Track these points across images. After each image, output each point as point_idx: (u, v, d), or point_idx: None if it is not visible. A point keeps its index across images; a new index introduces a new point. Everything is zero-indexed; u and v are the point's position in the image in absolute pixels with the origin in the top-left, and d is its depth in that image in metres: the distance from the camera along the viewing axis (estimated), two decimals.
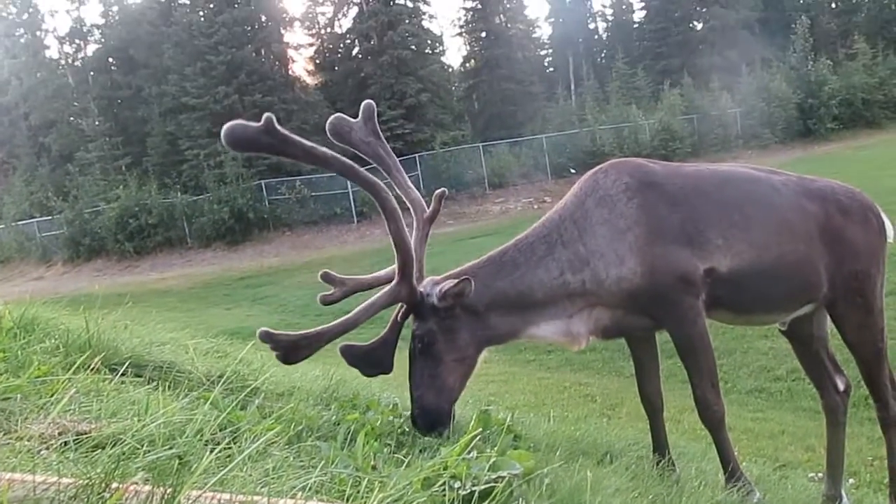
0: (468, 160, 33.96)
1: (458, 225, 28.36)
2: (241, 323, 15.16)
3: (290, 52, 39.65)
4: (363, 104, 3.43)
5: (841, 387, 3.66)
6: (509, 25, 46.41)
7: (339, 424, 2.61)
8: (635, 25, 51.28)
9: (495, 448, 1.89)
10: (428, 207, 3.34)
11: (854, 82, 38.10)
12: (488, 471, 1.79)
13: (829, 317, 3.54)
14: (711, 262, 3.13)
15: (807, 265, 3.27)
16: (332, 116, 3.33)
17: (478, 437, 1.81)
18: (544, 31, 54.62)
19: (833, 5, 51.68)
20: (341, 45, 41.49)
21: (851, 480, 5.38)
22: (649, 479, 3.17)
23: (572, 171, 30.36)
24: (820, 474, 5.25)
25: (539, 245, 3.16)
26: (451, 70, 45.80)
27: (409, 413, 3.05)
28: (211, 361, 3.71)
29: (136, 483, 1.33)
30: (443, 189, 3.39)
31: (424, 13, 41.20)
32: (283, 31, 38.67)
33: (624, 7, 53.15)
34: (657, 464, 3.36)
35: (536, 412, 6.90)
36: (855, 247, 3.35)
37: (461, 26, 45.90)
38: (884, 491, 5.12)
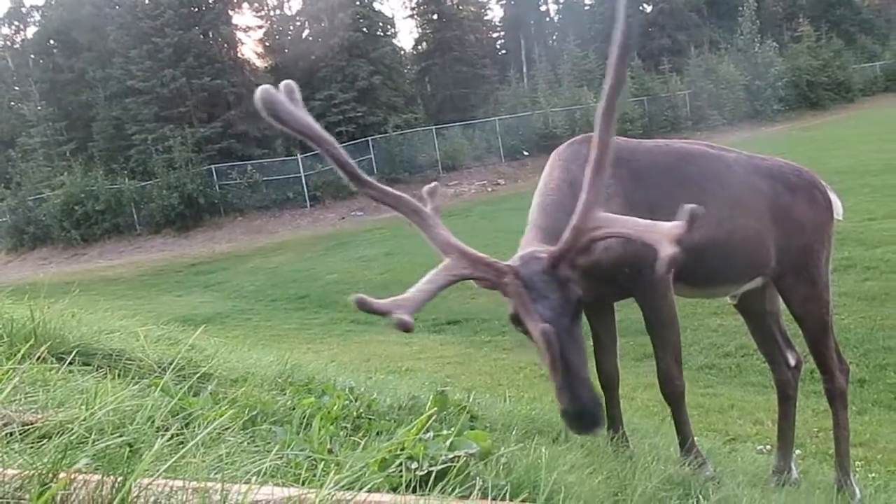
0: (421, 143, 33.86)
1: None
2: (194, 310, 14.94)
3: (239, 35, 38.95)
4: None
5: (792, 362, 3.75)
6: (461, 7, 46.26)
7: (294, 409, 2.59)
8: (586, 7, 51.54)
9: (452, 429, 1.89)
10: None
11: (799, 64, 38.91)
12: (445, 451, 1.79)
13: (779, 291, 3.61)
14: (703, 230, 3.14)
15: (757, 240, 3.34)
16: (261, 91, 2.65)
17: (434, 418, 1.81)
18: (496, 14, 54.56)
19: None
20: (291, 28, 40.90)
21: (798, 451, 5.51)
22: (604, 455, 3.22)
23: (525, 153, 30.53)
24: (768, 447, 5.40)
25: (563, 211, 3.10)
26: (403, 53, 45.52)
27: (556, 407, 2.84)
28: (162, 348, 3.64)
29: (85, 472, 1.30)
30: (435, 184, 3.04)
31: None
32: (231, 13, 37.91)
33: None
34: (612, 440, 3.41)
35: (493, 393, 6.94)
36: (801, 223, 3.43)
37: (412, 8, 45.64)
38: (829, 461, 5.28)
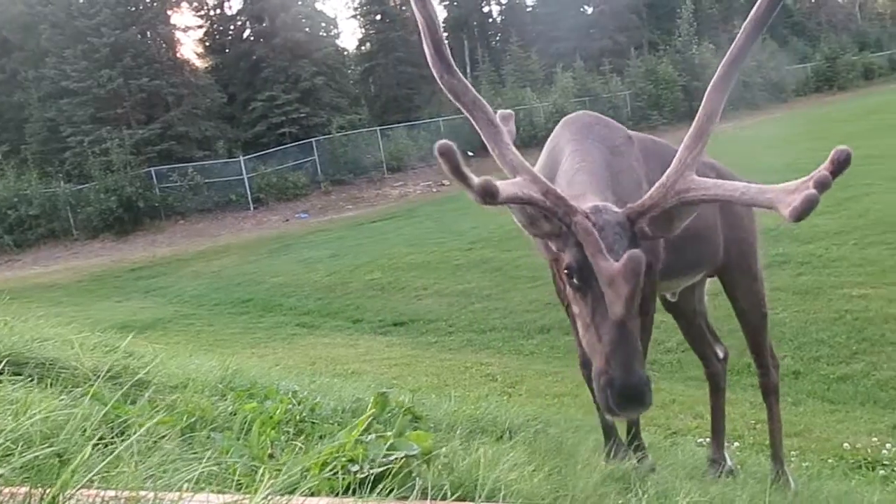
0: (366, 144, 33.73)
1: (357, 210, 28.18)
2: (133, 316, 14.60)
3: (178, 35, 38.21)
4: None
5: (721, 355, 3.86)
6: (404, 8, 46.14)
7: (235, 414, 2.56)
8: (528, 9, 52.00)
9: (393, 430, 1.89)
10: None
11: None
12: (386, 452, 1.79)
13: (724, 286, 3.67)
14: None
15: (714, 231, 3.41)
16: None
17: (376, 420, 1.81)
18: (439, 14, 54.64)
19: None
20: (232, 27, 40.27)
21: (737, 444, 5.68)
22: (546, 452, 3.25)
23: (470, 153, 30.27)
24: (708, 439, 5.53)
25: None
26: (346, 53, 45.27)
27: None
28: (98, 356, 3.55)
29: (12, 484, 1.27)
30: (510, 111, 2.60)
31: None
32: (169, 13, 37.18)
33: None
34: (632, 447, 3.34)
35: (439, 393, 6.95)
36: (741, 217, 3.53)
37: (355, 8, 45.41)
38: (765, 452, 5.42)
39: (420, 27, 2.21)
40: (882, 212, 13.01)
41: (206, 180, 31.02)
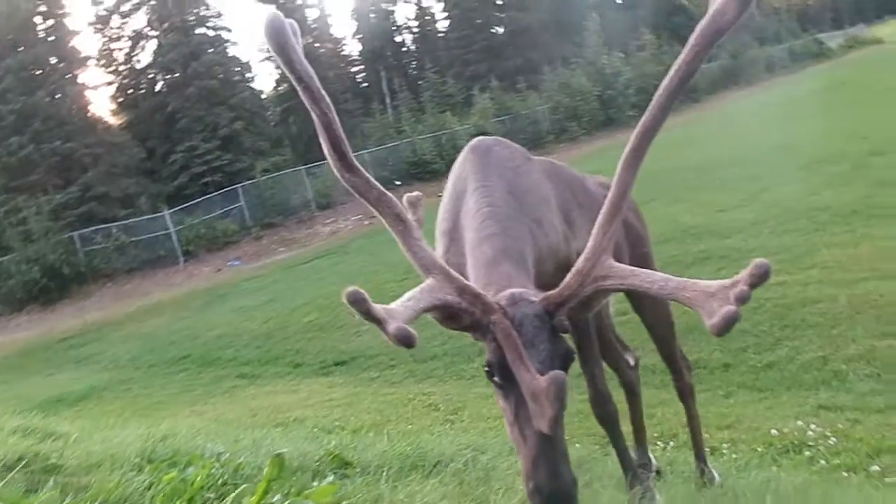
0: (293, 184, 33.53)
1: (290, 251, 27.93)
2: (65, 388, 14.14)
3: (89, 94, 37.51)
4: None
5: (632, 362, 3.99)
6: (317, 45, 46.29)
7: (151, 487, 2.54)
8: (440, 35, 52.60)
9: (293, 489, 1.91)
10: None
11: (645, 71, 41.02)
12: None
13: (631, 301, 3.78)
14: (577, 242, 3.03)
15: (620, 249, 3.52)
16: None
17: (274, 482, 1.82)
18: (354, 48, 54.90)
19: (618, 1, 55.53)
20: (143, 81, 39.68)
21: (672, 443, 5.82)
22: (475, 482, 3.30)
23: (397, 182, 30.70)
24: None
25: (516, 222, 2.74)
26: (263, 96, 45.08)
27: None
28: (15, 441, 3.48)
29: None
30: (418, 194, 2.59)
31: (227, 41, 40.28)
32: (77, 72, 36.43)
33: (427, 18, 54.36)
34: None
35: (380, 430, 6.95)
36: (638, 231, 3.66)
37: (269, 50, 45.22)
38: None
39: (316, 125, 2.17)
40: (792, 200, 13.55)
41: (132, 239, 30.35)
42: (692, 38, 2.01)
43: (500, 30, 49.44)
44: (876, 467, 4.63)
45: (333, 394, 10.17)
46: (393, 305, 1.94)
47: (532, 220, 2.66)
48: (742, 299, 1.75)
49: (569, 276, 2.07)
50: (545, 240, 2.72)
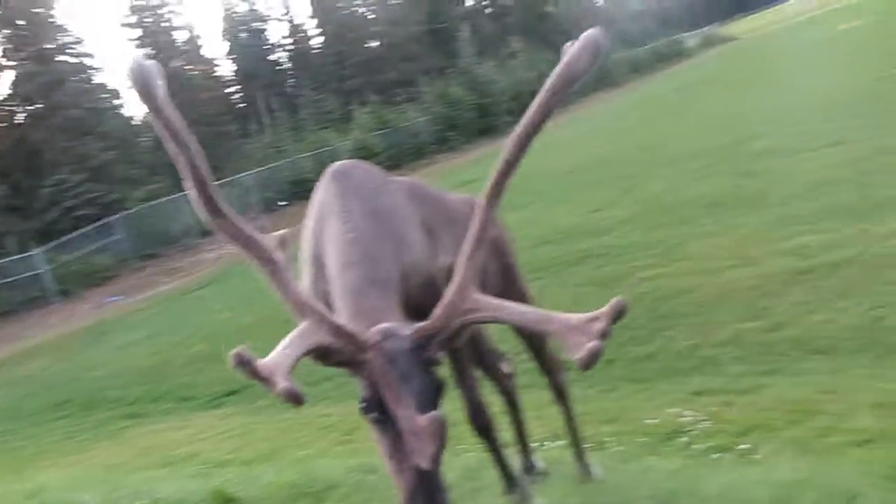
0: (172, 212, 32.46)
1: (174, 281, 27.03)
2: None
3: None
4: None
5: (508, 370, 4.10)
6: (188, 68, 45.13)
7: None
8: (315, 52, 52.32)
9: None
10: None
11: (518, 78, 42.16)
12: None
13: None
14: (443, 259, 3.11)
15: (487, 260, 3.61)
16: None
17: None
18: (227, 69, 53.86)
19: (487, 11, 56.73)
20: (2, 114, 37.60)
21: (559, 442, 5.99)
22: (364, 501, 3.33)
23: (282, 203, 30.32)
24: (534, 445, 5.81)
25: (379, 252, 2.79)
26: (134, 122, 43.51)
27: None
28: None
29: None
30: (285, 231, 2.54)
31: (92, 68, 38.68)
32: None
33: (301, 35, 53.94)
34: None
35: (274, 458, 6.85)
36: (501, 243, 3.78)
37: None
38: (588, 449, 5.78)
39: (181, 169, 2.16)
40: (661, 195, 14.22)
41: (2, 280, 28.65)
42: (548, 83, 2.14)
43: (375, 44, 49.67)
44: (745, 445, 4.91)
45: (226, 425, 9.91)
46: (273, 356, 1.98)
47: (395, 240, 2.73)
48: (605, 335, 1.91)
49: (437, 310, 2.13)
50: (410, 258, 2.78)
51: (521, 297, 3.80)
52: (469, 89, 40.20)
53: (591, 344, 1.87)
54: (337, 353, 2.07)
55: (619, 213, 13.89)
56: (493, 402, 4.61)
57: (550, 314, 2.03)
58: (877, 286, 7.69)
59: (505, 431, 6.44)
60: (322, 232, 2.74)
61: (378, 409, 2.04)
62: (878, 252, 8.37)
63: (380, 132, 37.27)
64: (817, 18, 47.86)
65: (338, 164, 2.97)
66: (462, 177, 25.89)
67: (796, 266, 8.73)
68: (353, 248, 2.60)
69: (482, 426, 3.35)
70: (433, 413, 1.90)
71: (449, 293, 2.13)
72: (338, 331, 2.08)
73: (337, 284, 2.54)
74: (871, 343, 6.75)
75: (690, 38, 63.32)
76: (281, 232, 2.50)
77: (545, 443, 5.80)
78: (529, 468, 3.98)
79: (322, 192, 2.87)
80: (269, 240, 2.24)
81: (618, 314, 1.92)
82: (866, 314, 7.21)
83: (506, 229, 3.86)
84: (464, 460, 4.45)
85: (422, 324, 2.14)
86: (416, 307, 2.37)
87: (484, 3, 57.44)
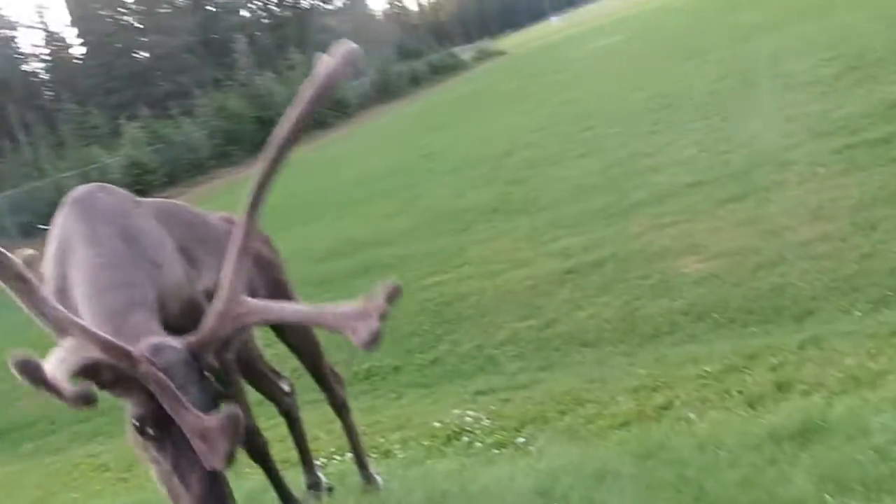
0: None
1: None
2: None
3: None
4: None
5: (287, 389, 4.07)
6: None
7: None
8: (77, 62, 48.71)
9: None
10: None
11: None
12: None
13: (273, 328, 3.85)
14: (204, 281, 3.01)
15: (253, 279, 3.53)
16: None
17: None
18: None
19: (263, 21, 55.79)
20: None
21: (349, 455, 5.99)
22: None
23: (42, 227, 27.88)
24: (323, 460, 5.78)
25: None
26: None
27: None
28: None
29: None
30: (33, 252, 2.46)
31: None
32: None
33: (59, 44, 49.97)
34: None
35: None
36: (269, 260, 3.73)
37: None
38: (377, 458, 5.83)
39: None
40: (443, 203, 14.72)
41: None
42: (303, 94, 2.16)
43: (144, 54, 47.11)
44: (521, 439, 5.20)
45: None
46: (47, 368, 1.79)
47: (150, 265, 2.62)
48: (383, 316, 1.93)
49: (208, 318, 2.09)
50: (166, 282, 2.69)
51: None
52: (248, 102, 39.26)
53: (372, 325, 1.91)
54: (107, 370, 1.96)
55: (403, 223, 14.20)
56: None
57: (324, 306, 2.06)
58: (632, 280, 8.46)
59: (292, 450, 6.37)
60: (65, 260, 2.57)
61: (157, 424, 1.96)
62: (632, 249, 9.21)
63: (154, 148, 35.35)
64: (578, 35, 51.79)
65: (79, 189, 2.79)
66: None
67: (563, 266, 9.39)
68: (105, 272, 2.48)
69: (255, 450, 3.30)
70: (230, 410, 1.87)
71: (218, 301, 2.11)
72: (107, 345, 1.97)
73: (89, 310, 2.40)
74: (629, 333, 7.42)
75: (465, 52, 66.04)
76: (28, 252, 2.45)
77: (335, 457, 5.80)
78: (314, 484, 3.96)
79: (63, 219, 2.68)
80: (16, 259, 2.04)
81: (392, 295, 1.95)
82: (624, 307, 7.91)
83: (273, 245, 3.82)
84: (248, 484, 4.34)
85: (193, 335, 2.10)
86: (178, 330, 2.30)
87: (260, 13, 56.47)
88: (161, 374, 1.93)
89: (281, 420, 4.26)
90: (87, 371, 1.94)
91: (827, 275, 7.07)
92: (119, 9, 48.25)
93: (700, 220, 9.40)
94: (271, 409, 4.39)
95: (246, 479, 4.71)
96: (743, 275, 7.66)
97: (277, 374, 4.09)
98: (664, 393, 5.40)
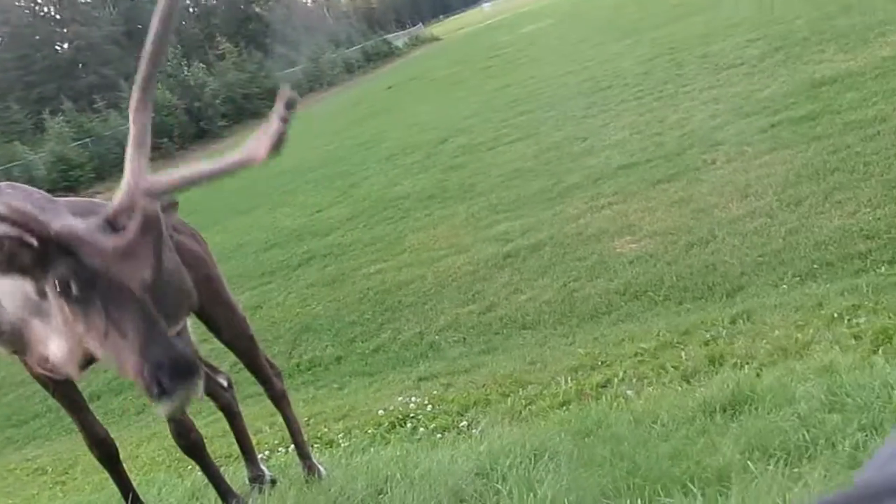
0: None
1: None
2: None
3: None
4: None
5: (225, 384, 4.01)
6: None
7: None
8: None
9: None
10: None
11: (229, 80, 41.01)
12: None
13: (205, 324, 3.79)
14: None
15: (181, 275, 3.46)
16: None
17: None
18: None
19: (191, 10, 54.47)
20: None
21: (291, 447, 5.96)
22: None
23: None
24: (267, 452, 5.73)
25: None
26: None
27: None
28: None
29: None
30: None
31: None
32: None
33: None
34: None
35: None
36: (197, 255, 3.65)
37: None
38: (320, 446, 5.81)
39: None
40: (380, 192, 14.66)
41: None
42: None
43: (65, 46, 45.52)
44: (464, 422, 5.26)
45: None
46: None
47: None
48: (285, 119, 1.96)
49: (119, 194, 2.06)
50: None
51: (227, 306, 3.73)
52: (178, 93, 38.31)
53: (274, 127, 1.95)
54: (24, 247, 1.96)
55: (341, 212, 14.10)
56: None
57: (229, 155, 2.06)
58: (570, 262, 8.59)
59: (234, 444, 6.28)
60: None
61: (83, 283, 1.95)
62: (568, 232, 9.34)
63: (80, 142, 34.24)
64: (510, 20, 52.01)
65: None
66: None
67: (502, 251, 9.47)
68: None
69: (188, 446, 3.25)
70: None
71: (126, 178, 2.06)
72: (11, 207, 1.98)
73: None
74: (568, 314, 7.54)
75: (398, 39, 65.63)
76: None
77: (279, 449, 5.76)
78: (257, 477, 3.91)
79: None
80: None
81: (289, 103, 1.96)
82: (563, 289, 8.03)
83: (202, 239, 3.75)
84: (191, 480, 4.28)
85: (110, 204, 2.08)
86: None
87: (187, 2, 55.08)
88: (75, 225, 1.97)
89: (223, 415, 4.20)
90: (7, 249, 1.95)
91: (756, 250, 7.30)
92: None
93: (634, 201, 9.58)
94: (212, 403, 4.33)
95: (187, 475, 4.65)
96: (676, 253, 7.85)
97: (214, 369, 4.02)
98: (603, 371, 5.51)
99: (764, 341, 5.06)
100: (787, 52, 13.78)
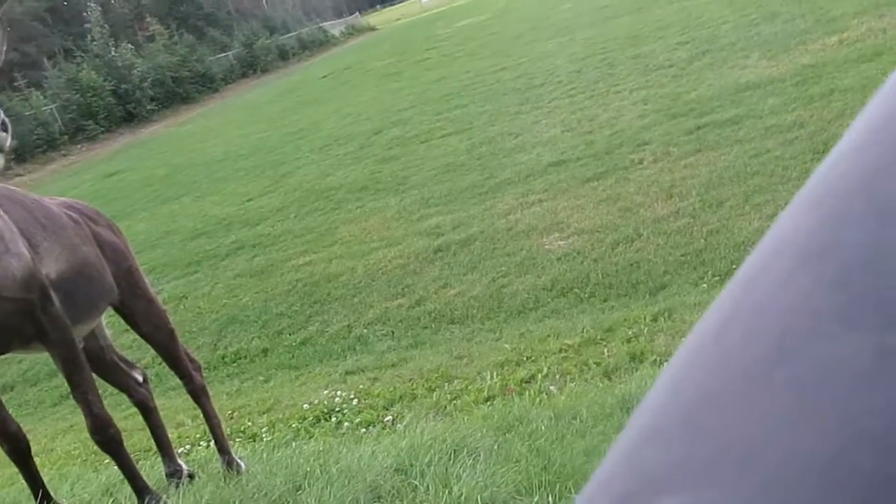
0: None
1: None
2: None
3: None
4: None
5: (141, 379, 3.93)
6: None
7: None
8: None
9: None
10: None
11: (160, 62, 39.89)
12: None
13: (123, 317, 3.71)
14: (46, 267, 2.94)
15: (100, 268, 3.37)
16: None
17: None
18: None
19: None
20: None
21: (210, 443, 5.87)
22: None
23: None
24: (188, 446, 5.63)
25: None
26: None
27: None
28: None
29: None
30: None
31: None
32: None
33: None
34: None
35: None
36: (116, 247, 3.57)
37: None
38: (244, 440, 5.75)
39: None
40: (312, 182, 14.50)
41: None
42: None
43: None
44: (389, 417, 5.26)
45: None
46: None
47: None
48: None
49: None
50: (12, 267, 2.61)
51: (145, 299, 3.66)
52: (104, 75, 37.00)
53: None
54: None
55: (272, 202, 13.90)
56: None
57: None
58: (499, 258, 8.66)
59: (168, 428, 6.17)
60: None
61: None
62: (499, 227, 9.41)
63: None
64: (447, 13, 52.04)
65: None
66: (105, 169, 23.91)
67: (433, 244, 9.49)
68: None
69: (105, 441, 3.18)
70: None
71: None
72: None
73: None
74: (496, 310, 7.61)
75: (335, 27, 64.91)
76: None
77: (201, 443, 5.67)
78: (174, 472, 3.85)
79: None
80: None
81: None
82: (491, 284, 8.10)
83: (119, 231, 3.67)
84: (106, 475, 4.18)
85: None
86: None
87: None
88: None
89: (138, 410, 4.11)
90: None
91: (679, 249, 7.50)
92: None
93: (563, 198, 9.72)
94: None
95: (103, 469, 4.55)
96: (602, 251, 8.00)
97: (130, 364, 3.93)
98: (527, 367, 5.59)
99: (683, 339, 5.18)
100: (714, 56, 14.17)
